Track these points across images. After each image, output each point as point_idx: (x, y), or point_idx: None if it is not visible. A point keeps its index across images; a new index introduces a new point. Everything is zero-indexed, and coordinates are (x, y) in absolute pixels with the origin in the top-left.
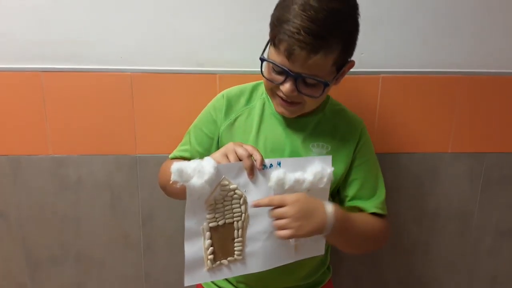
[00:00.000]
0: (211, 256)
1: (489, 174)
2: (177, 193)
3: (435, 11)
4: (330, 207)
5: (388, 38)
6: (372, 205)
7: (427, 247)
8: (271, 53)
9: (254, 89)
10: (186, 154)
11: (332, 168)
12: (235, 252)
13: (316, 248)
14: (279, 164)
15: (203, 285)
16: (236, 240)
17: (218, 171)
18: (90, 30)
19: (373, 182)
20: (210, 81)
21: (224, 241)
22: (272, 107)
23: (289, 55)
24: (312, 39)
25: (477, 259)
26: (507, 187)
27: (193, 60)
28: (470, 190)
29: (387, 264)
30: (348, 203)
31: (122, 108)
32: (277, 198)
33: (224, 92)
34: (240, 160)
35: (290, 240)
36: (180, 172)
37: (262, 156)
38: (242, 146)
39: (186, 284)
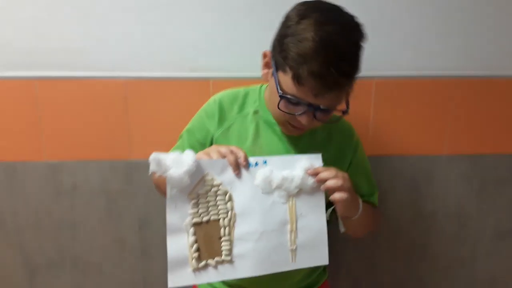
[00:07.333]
0: (195, 254)
1: (485, 176)
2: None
3: (426, 16)
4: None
5: (381, 44)
6: (375, 200)
7: (425, 249)
8: (288, 86)
9: (246, 95)
10: None
11: (322, 164)
12: (223, 252)
13: (319, 256)
14: (265, 162)
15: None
16: (223, 239)
17: (199, 166)
18: (83, 38)
19: (370, 180)
20: (203, 87)
21: (210, 239)
22: (266, 116)
23: (316, 95)
24: (345, 79)
25: (476, 261)
26: (503, 189)
27: (186, 66)
28: (467, 192)
29: (384, 266)
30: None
31: (116, 114)
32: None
33: (216, 97)
34: (223, 157)
35: (288, 243)
36: (158, 161)
37: (245, 152)
38: (224, 146)
39: (170, 285)
